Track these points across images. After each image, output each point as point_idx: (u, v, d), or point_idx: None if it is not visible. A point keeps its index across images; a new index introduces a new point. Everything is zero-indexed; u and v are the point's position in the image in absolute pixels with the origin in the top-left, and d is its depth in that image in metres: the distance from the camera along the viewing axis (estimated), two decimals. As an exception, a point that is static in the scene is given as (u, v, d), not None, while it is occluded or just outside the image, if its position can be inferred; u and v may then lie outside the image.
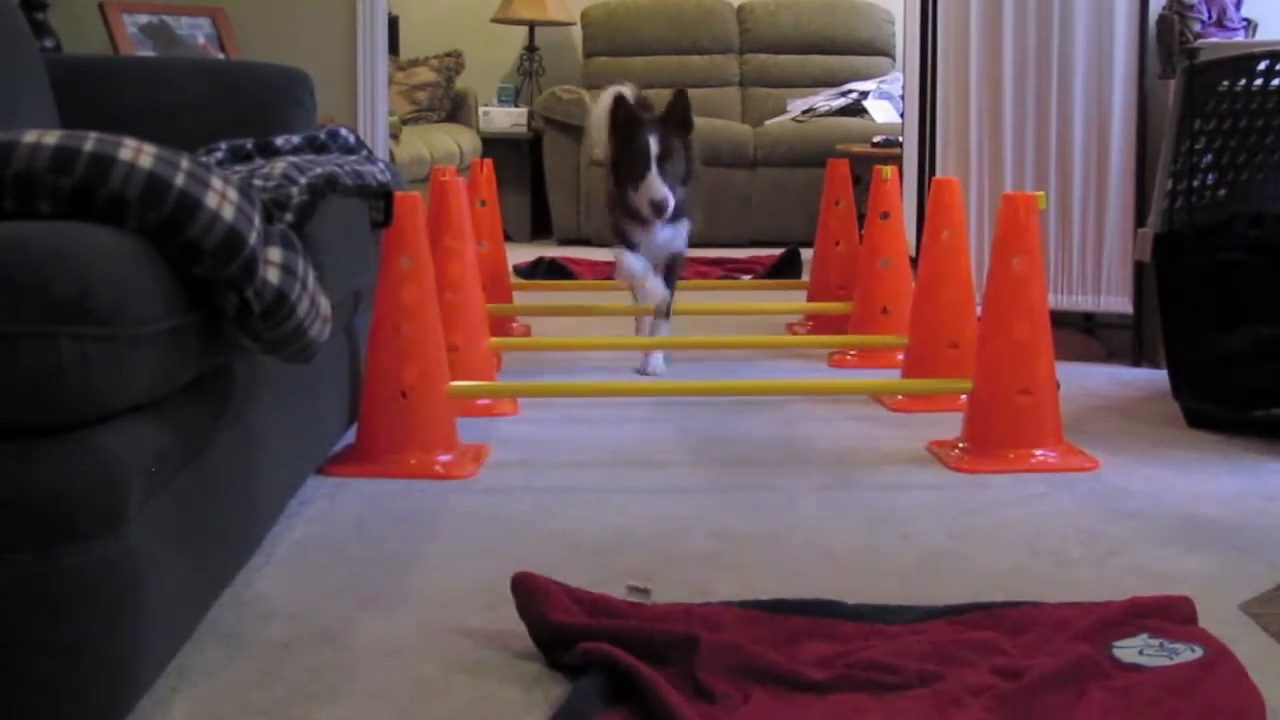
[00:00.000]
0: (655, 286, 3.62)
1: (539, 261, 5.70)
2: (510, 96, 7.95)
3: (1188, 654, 1.71)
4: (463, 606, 1.95)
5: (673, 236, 3.61)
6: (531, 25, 7.88)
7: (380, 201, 2.59)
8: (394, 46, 7.06)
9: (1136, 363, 3.84)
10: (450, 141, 6.82)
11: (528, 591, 1.81)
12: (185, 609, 1.63)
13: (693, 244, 3.76)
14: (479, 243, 3.83)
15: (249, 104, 2.77)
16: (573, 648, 1.70)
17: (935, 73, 4.21)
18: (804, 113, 7.40)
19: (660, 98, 7.55)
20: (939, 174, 4.09)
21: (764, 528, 2.36)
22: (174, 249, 1.48)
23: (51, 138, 1.44)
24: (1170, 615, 1.83)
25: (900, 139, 5.51)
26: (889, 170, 3.93)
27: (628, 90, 3.73)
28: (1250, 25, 4.01)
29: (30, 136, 1.44)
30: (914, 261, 3.60)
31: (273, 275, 1.61)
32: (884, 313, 3.82)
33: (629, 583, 1.97)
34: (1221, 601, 1.94)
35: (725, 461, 2.78)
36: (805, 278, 4.81)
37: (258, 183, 1.98)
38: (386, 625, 1.87)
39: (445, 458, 2.70)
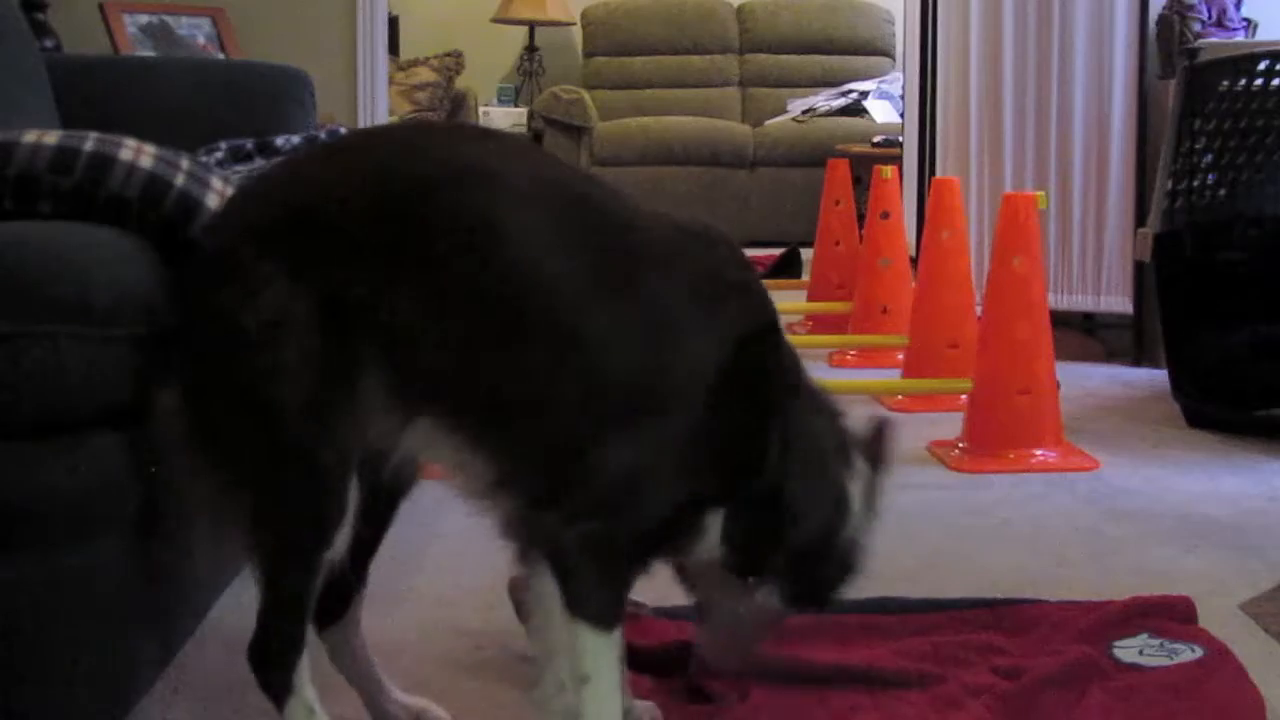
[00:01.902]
0: None
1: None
2: (510, 96, 7.95)
3: (1188, 654, 1.71)
4: (463, 606, 1.95)
5: None
6: (531, 25, 7.88)
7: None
8: (394, 46, 7.06)
9: (1136, 362, 3.84)
10: (450, 141, 6.81)
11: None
12: (185, 609, 1.63)
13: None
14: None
15: (249, 104, 2.77)
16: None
17: (935, 73, 4.22)
18: (804, 113, 7.40)
19: (659, 98, 7.60)
20: (939, 174, 4.09)
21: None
22: (174, 249, 1.48)
23: (52, 138, 1.44)
24: (1170, 615, 1.83)
25: (900, 139, 5.51)
26: (889, 170, 3.93)
27: None
28: (1250, 25, 4.01)
29: (30, 136, 1.44)
30: (914, 261, 3.60)
31: (273, 275, 1.61)
32: (884, 313, 3.82)
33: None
34: (1221, 601, 1.94)
35: (725, 461, 2.78)
36: (805, 278, 4.81)
37: (258, 183, 1.98)
38: (386, 625, 1.87)
39: (445, 458, 2.69)
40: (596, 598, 1.28)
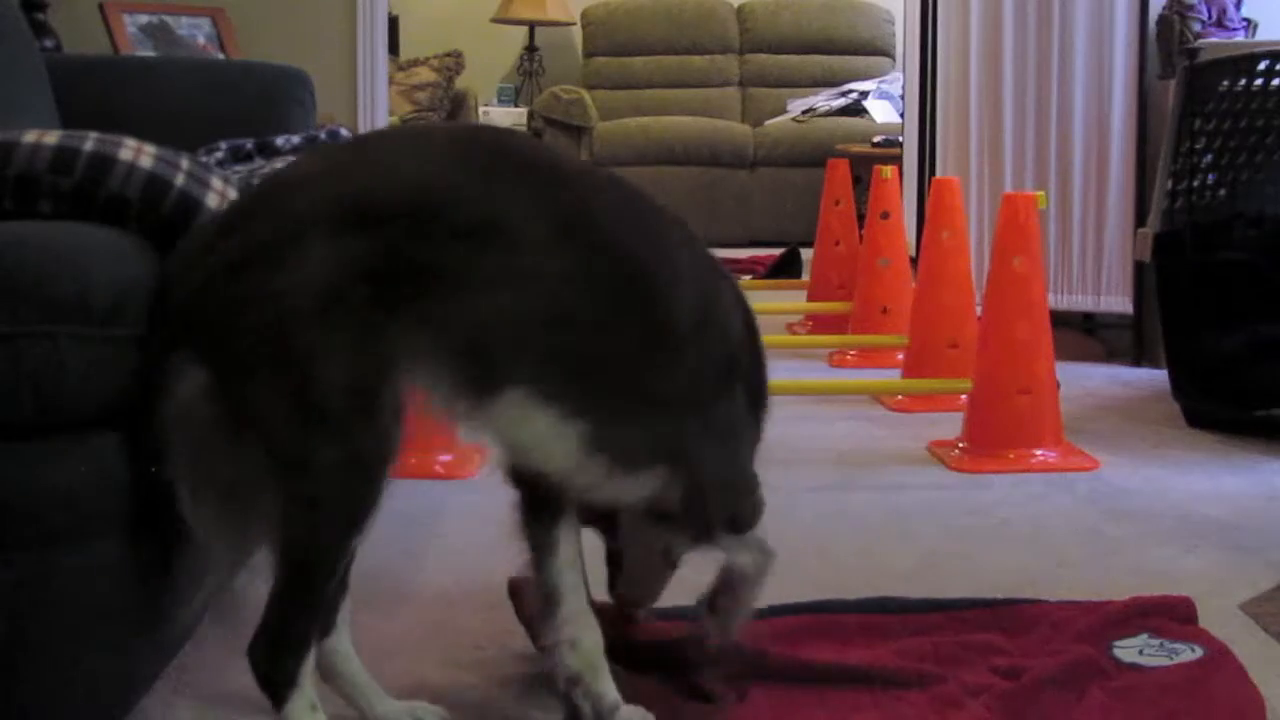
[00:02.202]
0: None
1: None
2: (510, 96, 7.95)
3: (1188, 654, 1.71)
4: (463, 606, 1.95)
5: None
6: (531, 25, 7.88)
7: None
8: (394, 46, 7.06)
9: (1136, 363, 3.84)
10: (450, 141, 6.81)
11: (525, 594, 1.81)
12: (185, 609, 1.63)
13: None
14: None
15: (249, 104, 2.77)
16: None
17: (935, 73, 4.22)
18: (804, 113, 7.40)
19: (659, 98, 7.59)
20: (939, 174, 4.09)
21: (764, 528, 2.35)
22: (174, 249, 1.48)
23: (52, 138, 1.44)
24: (1170, 615, 1.83)
25: (900, 139, 5.51)
26: (889, 170, 3.93)
27: None
28: (1250, 25, 4.01)
29: (30, 136, 1.44)
30: (914, 261, 3.60)
31: (273, 275, 1.60)
32: (884, 313, 3.82)
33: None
34: (1221, 601, 1.94)
35: (725, 461, 2.78)
36: (805, 278, 4.81)
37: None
38: (386, 625, 1.87)
39: (445, 457, 2.69)
40: (738, 519, 1.49)
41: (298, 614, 1.33)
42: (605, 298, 1.36)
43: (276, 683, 1.33)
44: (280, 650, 1.33)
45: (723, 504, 1.47)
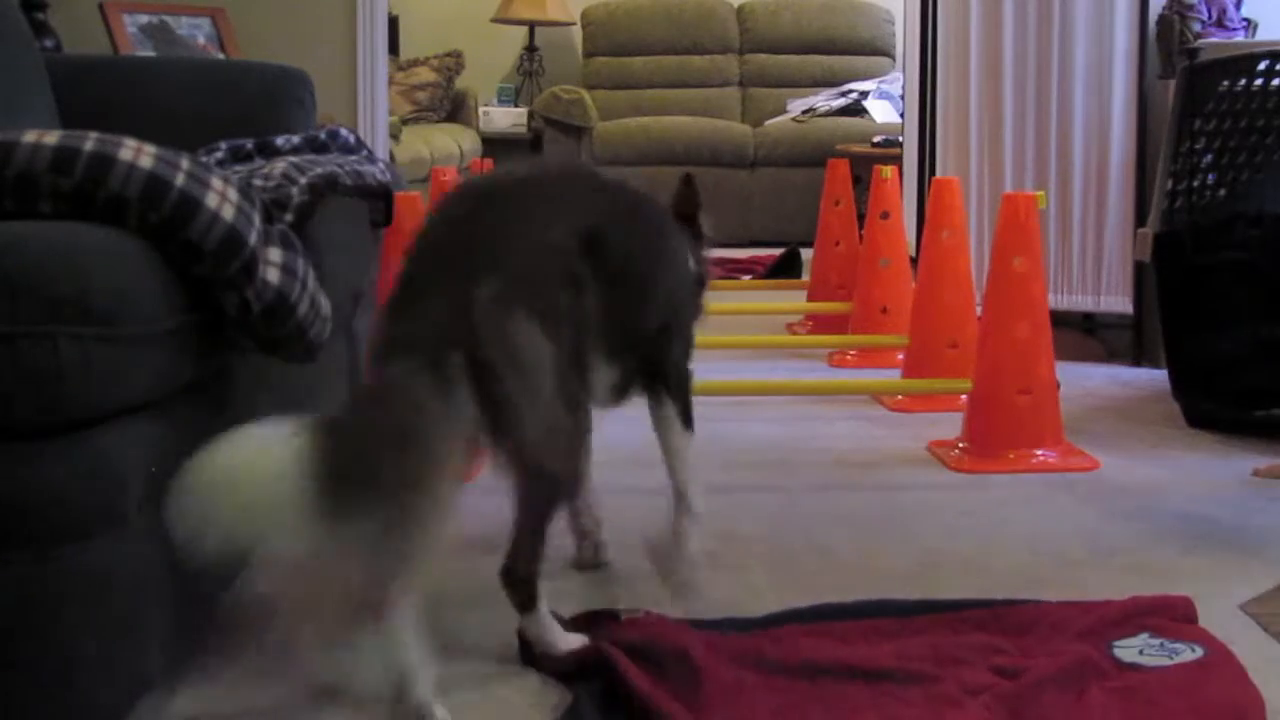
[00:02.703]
0: None
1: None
2: (510, 96, 7.95)
3: (1188, 654, 1.71)
4: (463, 606, 1.95)
5: None
6: (531, 25, 7.88)
7: (380, 202, 2.59)
8: (394, 46, 7.06)
9: (1136, 363, 3.84)
10: (450, 141, 6.82)
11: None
12: (185, 609, 1.63)
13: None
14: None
15: (249, 104, 2.77)
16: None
17: (935, 73, 4.21)
18: (804, 113, 7.40)
19: (659, 98, 7.60)
20: (939, 174, 4.09)
21: (764, 528, 2.35)
22: (174, 249, 1.48)
23: (52, 138, 1.44)
24: (1170, 615, 1.83)
25: (900, 139, 5.51)
26: (889, 170, 3.93)
27: None
28: (1250, 25, 4.01)
29: (30, 136, 1.44)
30: (914, 261, 3.60)
31: (272, 275, 1.61)
32: (884, 313, 3.82)
33: (623, 610, 1.95)
34: (1221, 601, 1.94)
35: (725, 462, 2.78)
36: (805, 278, 4.81)
37: (258, 183, 1.98)
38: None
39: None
40: (689, 419, 2.03)
41: (542, 543, 1.74)
42: (637, 289, 1.84)
43: (530, 594, 1.72)
44: (532, 573, 1.72)
45: (682, 401, 2.02)
